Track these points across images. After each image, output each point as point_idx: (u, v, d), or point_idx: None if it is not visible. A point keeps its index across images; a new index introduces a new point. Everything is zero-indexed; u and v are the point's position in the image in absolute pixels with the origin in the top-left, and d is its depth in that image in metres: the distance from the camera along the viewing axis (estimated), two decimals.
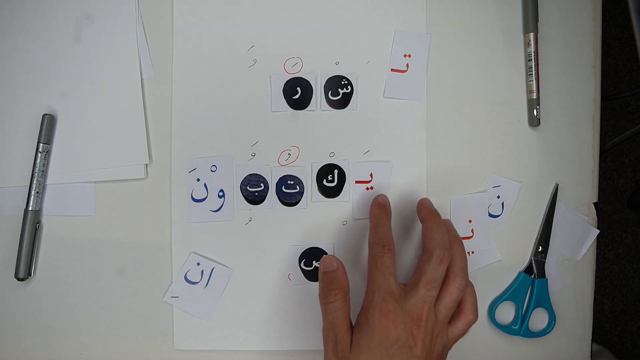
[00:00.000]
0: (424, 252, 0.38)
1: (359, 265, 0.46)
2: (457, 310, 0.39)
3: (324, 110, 0.47)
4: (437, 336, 0.37)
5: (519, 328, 0.47)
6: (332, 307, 0.37)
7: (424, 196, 0.47)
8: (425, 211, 0.41)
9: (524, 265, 0.48)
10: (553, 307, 0.47)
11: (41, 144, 0.45)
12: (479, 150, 0.47)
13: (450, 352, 0.47)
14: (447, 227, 0.42)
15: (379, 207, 0.42)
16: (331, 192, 0.46)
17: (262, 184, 0.46)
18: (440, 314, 0.37)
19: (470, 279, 0.47)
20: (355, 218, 0.47)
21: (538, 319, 0.47)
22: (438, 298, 0.37)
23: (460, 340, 0.47)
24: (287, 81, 0.46)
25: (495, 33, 0.48)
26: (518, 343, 0.48)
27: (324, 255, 0.40)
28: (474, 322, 0.39)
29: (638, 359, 1.19)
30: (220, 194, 0.46)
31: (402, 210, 0.47)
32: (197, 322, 0.46)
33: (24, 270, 0.45)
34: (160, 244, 0.46)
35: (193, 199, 0.46)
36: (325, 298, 0.37)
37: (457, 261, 0.39)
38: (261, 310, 0.46)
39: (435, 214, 0.41)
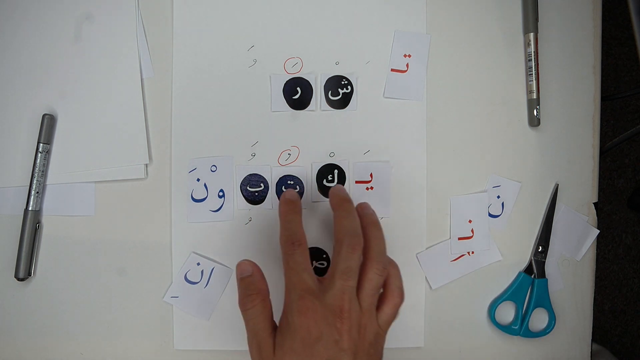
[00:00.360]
0: (335, 243, 0.37)
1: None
2: (383, 294, 0.38)
3: (324, 110, 0.47)
4: (365, 325, 0.35)
5: (519, 328, 0.47)
6: (252, 313, 0.36)
7: (424, 196, 0.47)
8: (335, 199, 0.40)
9: (524, 265, 0.48)
10: (553, 307, 0.47)
11: (41, 144, 0.45)
12: (479, 150, 0.47)
13: (450, 352, 0.47)
14: (363, 210, 0.40)
15: (287, 203, 0.39)
16: None
17: (262, 184, 0.46)
18: (364, 303, 0.36)
19: (470, 279, 0.47)
20: None
21: (538, 319, 0.47)
22: (359, 287, 0.36)
23: (460, 340, 0.47)
24: (287, 81, 0.46)
25: (495, 33, 0.48)
26: (518, 343, 0.48)
27: (239, 261, 0.38)
28: (400, 304, 0.38)
29: (638, 359, 1.19)
30: (220, 194, 0.46)
31: (403, 210, 0.47)
32: (197, 322, 0.46)
33: (24, 270, 0.45)
34: (160, 244, 0.46)
35: (193, 199, 0.46)
36: (244, 305, 0.36)
37: (373, 245, 0.37)
38: None
39: (345, 200, 0.39)
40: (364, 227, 0.38)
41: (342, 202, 0.39)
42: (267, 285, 0.38)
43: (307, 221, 0.46)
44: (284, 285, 0.36)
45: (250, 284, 0.37)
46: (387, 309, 0.37)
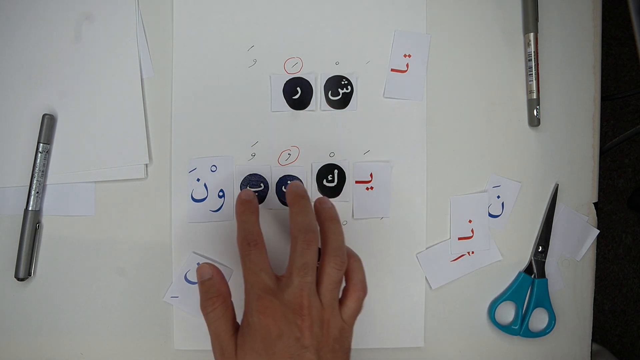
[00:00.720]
0: (291, 240, 0.37)
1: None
2: (345, 288, 0.37)
3: (324, 110, 0.47)
4: (327, 321, 0.35)
5: (519, 328, 0.47)
6: (213, 316, 0.36)
7: (424, 196, 0.47)
8: (290, 195, 0.39)
9: (524, 265, 0.48)
10: (553, 307, 0.47)
11: (41, 144, 0.45)
12: (479, 150, 0.47)
13: (450, 352, 0.47)
14: (321, 204, 0.40)
15: (242, 204, 0.39)
16: (331, 192, 0.46)
17: (262, 184, 0.46)
18: (324, 298, 0.35)
19: (470, 279, 0.47)
20: (355, 218, 0.47)
21: (538, 319, 0.47)
22: (318, 282, 0.36)
23: (460, 340, 0.47)
24: (287, 81, 0.46)
25: (495, 33, 0.48)
26: (518, 343, 0.48)
27: (199, 264, 0.38)
28: (364, 297, 0.37)
29: (638, 359, 1.19)
30: (220, 194, 0.46)
31: (402, 211, 0.47)
32: (197, 322, 0.46)
33: (24, 270, 0.45)
34: (160, 244, 0.46)
35: (193, 199, 0.46)
36: (205, 308, 0.36)
37: (330, 239, 0.37)
38: None
39: (301, 196, 0.39)
40: (322, 222, 0.38)
41: (296, 199, 0.39)
42: (227, 288, 0.38)
43: None
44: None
45: (210, 287, 0.37)
46: (350, 302, 0.37)
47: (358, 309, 0.37)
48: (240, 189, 0.46)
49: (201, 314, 0.46)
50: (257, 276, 0.35)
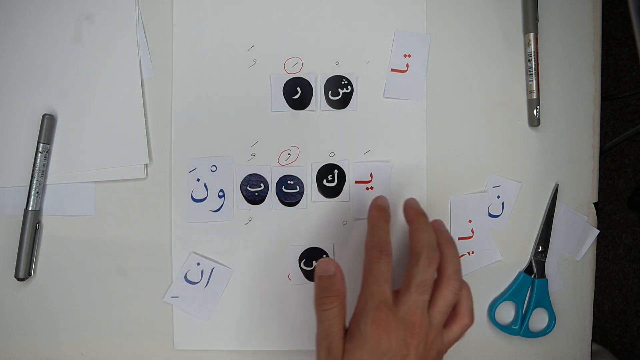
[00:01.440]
0: (412, 255, 0.37)
1: (359, 266, 0.46)
2: (453, 313, 0.38)
3: (324, 110, 0.47)
4: (431, 342, 0.35)
5: (519, 328, 0.47)
6: (328, 315, 0.36)
7: (424, 196, 0.47)
8: (410, 212, 0.40)
9: (524, 265, 0.48)
10: (553, 307, 0.47)
11: (41, 144, 0.45)
12: (479, 150, 0.47)
13: (450, 351, 0.47)
14: (438, 227, 0.41)
15: (378, 210, 0.40)
16: (331, 192, 0.46)
17: (262, 184, 0.46)
18: (434, 319, 0.36)
19: (470, 279, 0.47)
20: (355, 218, 0.47)
21: (538, 319, 0.47)
22: (431, 302, 0.36)
23: (460, 340, 0.47)
24: (287, 81, 0.46)
25: (495, 33, 0.48)
26: (518, 343, 0.48)
27: (321, 258, 0.38)
28: (469, 326, 0.38)
29: (638, 359, 1.19)
30: (220, 194, 0.46)
31: (402, 212, 0.47)
32: (197, 322, 0.46)
33: (24, 270, 0.45)
34: (160, 244, 0.46)
35: (193, 199, 0.46)
36: (321, 305, 0.36)
37: (450, 263, 0.37)
38: (261, 310, 0.46)
39: (422, 214, 0.40)
40: (440, 244, 0.38)
41: (417, 216, 0.39)
42: (346, 289, 0.37)
43: (306, 221, 0.46)
44: (360, 290, 0.36)
45: (330, 285, 0.36)
46: (455, 328, 0.37)
47: (460, 336, 0.38)
48: (240, 189, 0.46)
49: (203, 316, 0.46)
50: (380, 286, 0.35)
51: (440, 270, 0.37)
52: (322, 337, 0.36)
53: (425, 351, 0.35)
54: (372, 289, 0.36)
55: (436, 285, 0.37)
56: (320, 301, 0.36)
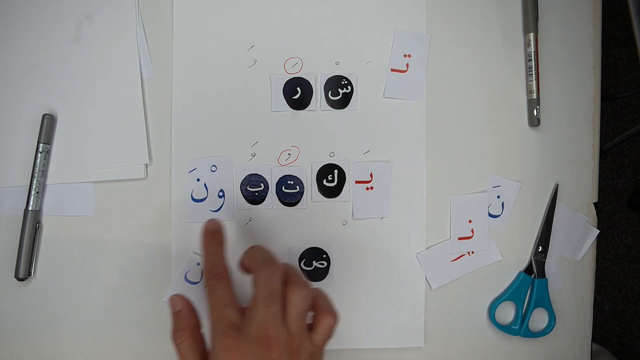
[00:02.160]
0: (254, 273, 0.36)
1: (359, 267, 0.46)
2: (315, 316, 0.37)
3: (324, 110, 0.47)
4: (297, 349, 0.34)
5: (519, 328, 0.47)
6: (181, 348, 0.36)
7: (424, 196, 0.47)
8: (248, 255, 0.39)
9: (524, 265, 0.48)
10: (553, 307, 0.47)
11: (41, 144, 0.45)
12: (479, 150, 0.47)
13: (450, 352, 0.47)
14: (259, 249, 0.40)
15: (209, 235, 0.39)
16: (331, 192, 0.46)
17: (262, 184, 0.46)
18: (292, 328, 0.35)
19: (470, 279, 0.47)
20: (355, 218, 0.47)
21: (538, 319, 0.47)
22: (284, 312, 0.35)
23: (460, 340, 0.47)
24: (287, 81, 0.46)
25: (495, 33, 0.48)
26: (518, 343, 0.48)
27: (170, 295, 0.38)
28: (335, 323, 0.37)
29: (638, 359, 1.19)
30: (220, 194, 0.46)
31: (402, 211, 0.47)
32: None
33: (24, 270, 0.45)
34: (160, 244, 0.46)
35: (193, 199, 0.46)
36: (174, 340, 0.37)
37: (291, 271, 0.37)
38: None
39: (255, 247, 0.39)
40: (274, 258, 0.38)
41: (250, 250, 0.39)
42: (197, 319, 0.38)
43: (307, 221, 0.46)
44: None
45: (180, 319, 0.37)
46: (321, 329, 0.36)
47: (330, 335, 0.37)
48: (241, 189, 0.46)
49: (203, 317, 0.46)
50: (222, 311, 0.35)
51: (285, 281, 0.36)
52: None
53: (292, 359, 0.34)
54: (215, 316, 0.35)
55: (285, 294, 0.36)
56: (173, 335, 0.37)
